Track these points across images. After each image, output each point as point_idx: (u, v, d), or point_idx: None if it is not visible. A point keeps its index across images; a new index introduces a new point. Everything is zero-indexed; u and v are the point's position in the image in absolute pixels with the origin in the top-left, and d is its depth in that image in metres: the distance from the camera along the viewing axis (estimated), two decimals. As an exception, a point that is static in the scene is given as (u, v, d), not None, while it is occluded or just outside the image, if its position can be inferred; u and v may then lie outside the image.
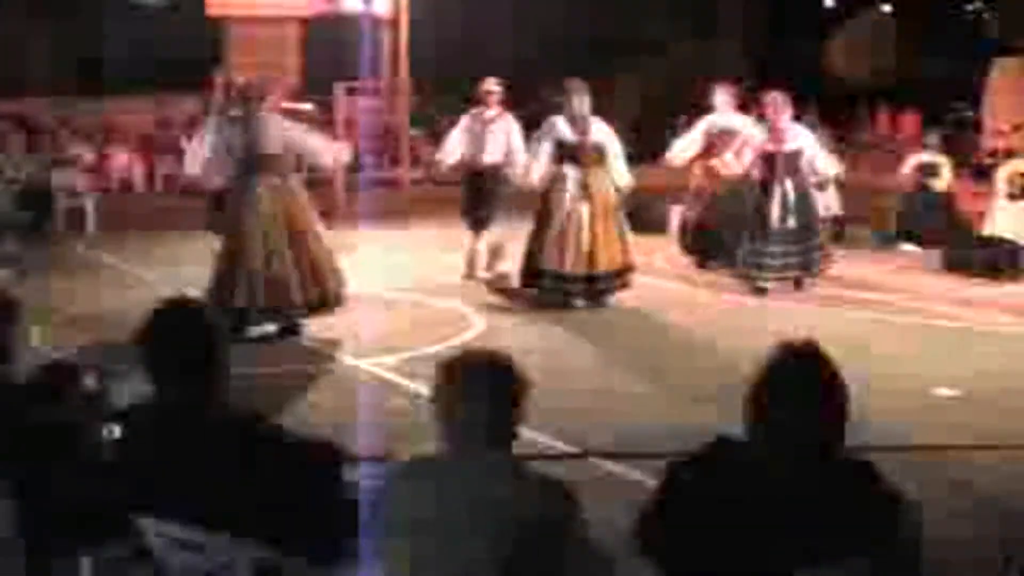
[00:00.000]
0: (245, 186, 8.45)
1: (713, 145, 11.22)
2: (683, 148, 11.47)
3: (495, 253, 11.13)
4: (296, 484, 3.08)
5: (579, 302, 9.69)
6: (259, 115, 8.46)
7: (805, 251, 10.45)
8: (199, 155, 9.31)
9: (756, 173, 10.46)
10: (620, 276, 9.75)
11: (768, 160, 10.35)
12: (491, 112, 11.00)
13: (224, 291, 8.40)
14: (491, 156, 10.96)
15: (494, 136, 10.95)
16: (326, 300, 8.62)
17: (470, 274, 11.06)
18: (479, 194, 11.07)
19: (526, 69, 19.92)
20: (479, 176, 11.03)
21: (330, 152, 9.04)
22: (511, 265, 10.54)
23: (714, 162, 11.06)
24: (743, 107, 11.81)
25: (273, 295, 8.40)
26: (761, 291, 10.34)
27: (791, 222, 10.27)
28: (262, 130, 8.43)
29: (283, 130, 8.58)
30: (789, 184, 10.28)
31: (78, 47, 20.79)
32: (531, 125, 10.38)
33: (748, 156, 10.53)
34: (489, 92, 11.00)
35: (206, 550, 2.96)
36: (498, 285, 10.66)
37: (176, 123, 19.04)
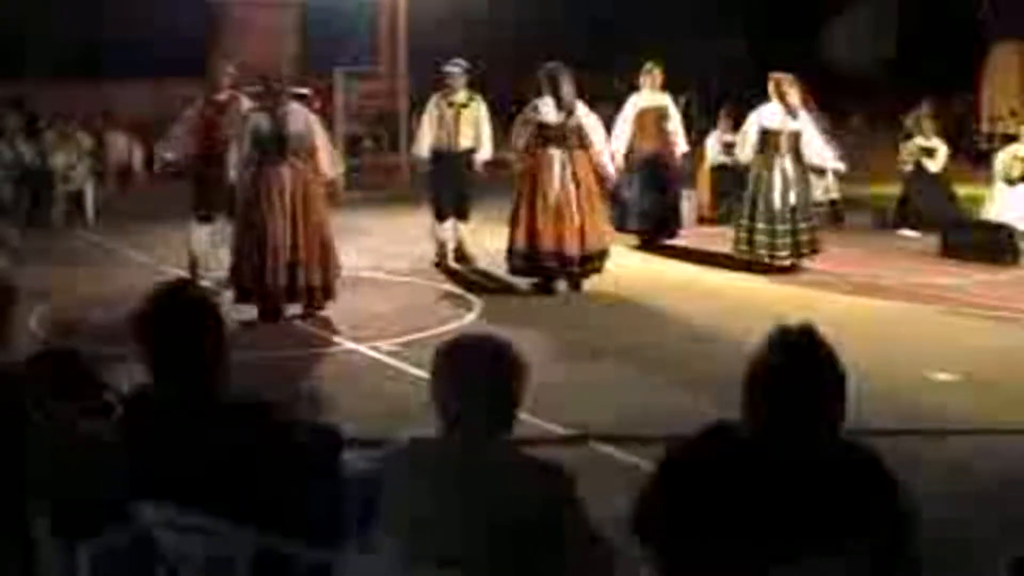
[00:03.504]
0: (271, 169, 8.55)
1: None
2: (620, 133, 11.51)
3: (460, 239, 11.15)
4: (295, 467, 3.09)
5: (562, 284, 9.69)
6: (286, 101, 8.68)
7: (809, 230, 10.58)
8: (181, 140, 9.98)
9: (749, 152, 10.61)
10: (601, 258, 9.76)
11: (772, 137, 10.42)
12: (459, 96, 10.90)
13: (246, 270, 8.52)
14: (466, 140, 10.90)
15: (467, 120, 10.88)
16: (327, 287, 8.70)
17: (463, 258, 11.04)
18: (453, 179, 10.93)
19: (526, 54, 19.89)
20: (453, 161, 10.88)
21: (328, 157, 8.96)
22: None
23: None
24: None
25: (291, 276, 8.49)
26: (783, 269, 10.46)
27: (791, 199, 10.37)
28: (289, 116, 8.60)
29: (305, 117, 8.81)
30: (788, 162, 10.39)
31: (77, 31, 20.70)
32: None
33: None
34: (455, 76, 10.88)
35: (206, 534, 2.96)
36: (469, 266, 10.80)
37: (175, 107, 18.93)
